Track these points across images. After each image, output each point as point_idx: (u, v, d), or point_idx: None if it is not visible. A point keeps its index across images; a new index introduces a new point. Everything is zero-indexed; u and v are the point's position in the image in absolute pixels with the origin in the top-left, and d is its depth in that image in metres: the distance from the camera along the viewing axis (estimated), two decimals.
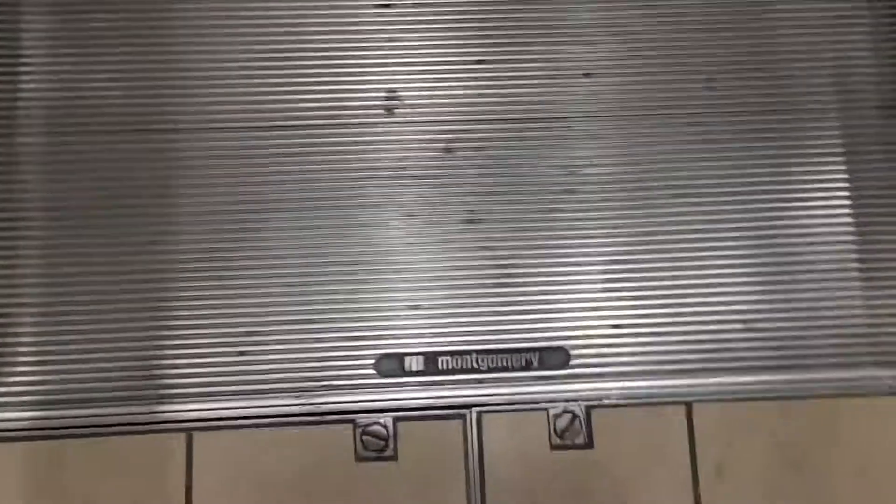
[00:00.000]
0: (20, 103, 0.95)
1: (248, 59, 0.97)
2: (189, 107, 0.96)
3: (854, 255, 0.95)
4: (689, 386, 0.91)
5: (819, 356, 0.92)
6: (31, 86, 0.95)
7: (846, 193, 0.96)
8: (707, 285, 0.93)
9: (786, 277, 0.94)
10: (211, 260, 0.92)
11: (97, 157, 0.94)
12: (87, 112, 0.95)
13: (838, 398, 0.91)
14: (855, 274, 0.94)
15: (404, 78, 0.98)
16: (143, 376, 0.89)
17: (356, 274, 0.93)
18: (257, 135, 0.95)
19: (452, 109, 0.97)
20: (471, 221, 0.94)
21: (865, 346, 0.92)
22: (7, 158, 0.93)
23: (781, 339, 0.92)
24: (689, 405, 0.90)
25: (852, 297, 0.93)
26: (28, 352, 0.89)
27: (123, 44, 0.97)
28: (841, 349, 0.92)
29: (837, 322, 0.93)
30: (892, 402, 0.91)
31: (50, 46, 0.96)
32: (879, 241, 0.95)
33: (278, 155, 0.95)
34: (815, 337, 0.92)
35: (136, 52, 0.97)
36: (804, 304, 0.93)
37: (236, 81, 0.96)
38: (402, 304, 0.92)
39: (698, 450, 0.89)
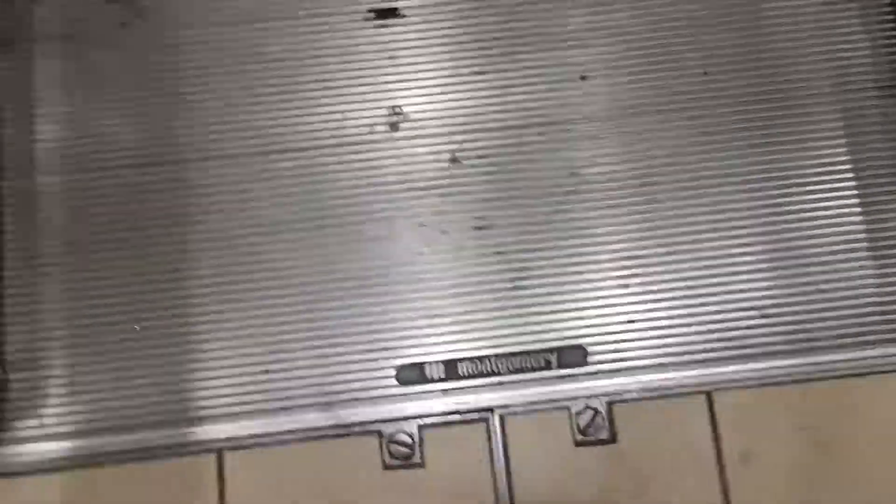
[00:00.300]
0: (38, 144, 0.98)
1: (253, 87, 0.99)
2: (199, 137, 0.98)
3: (862, 235, 0.95)
4: (707, 375, 0.91)
5: (835, 337, 0.92)
6: (47, 127, 0.98)
7: (850, 175, 0.96)
8: (719, 275, 0.94)
9: (797, 262, 0.94)
10: (230, 283, 0.94)
11: (114, 192, 0.96)
12: (102, 149, 0.97)
13: (857, 377, 0.91)
14: (864, 254, 0.94)
15: (406, 94, 0.99)
16: (172, 401, 0.91)
17: (372, 287, 0.94)
18: (267, 159, 0.97)
19: (455, 121, 0.99)
20: (481, 228, 0.96)
21: (879, 325, 0.92)
22: (27, 198, 0.96)
23: (796, 322, 0.92)
24: (709, 394, 0.91)
25: (863, 277, 0.94)
26: (59, 384, 0.91)
27: (132, 81, 0.99)
28: (855, 329, 0.92)
29: (850, 302, 0.93)
30: None
31: (63, 87, 0.99)
32: (886, 220, 0.95)
33: (289, 177, 0.97)
34: (830, 319, 0.92)
35: (144, 89, 0.99)
36: (816, 287, 0.93)
37: (243, 109, 0.98)
38: (420, 314, 0.93)
39: (722, 438, 0.90)
